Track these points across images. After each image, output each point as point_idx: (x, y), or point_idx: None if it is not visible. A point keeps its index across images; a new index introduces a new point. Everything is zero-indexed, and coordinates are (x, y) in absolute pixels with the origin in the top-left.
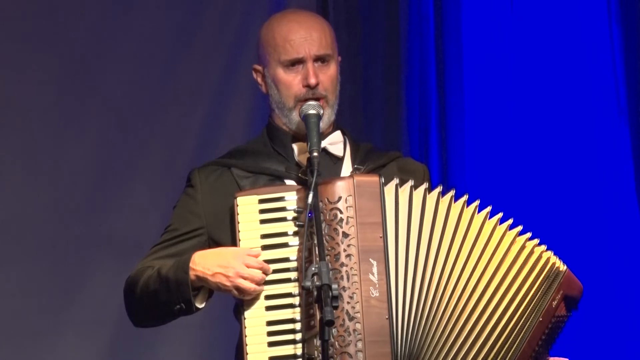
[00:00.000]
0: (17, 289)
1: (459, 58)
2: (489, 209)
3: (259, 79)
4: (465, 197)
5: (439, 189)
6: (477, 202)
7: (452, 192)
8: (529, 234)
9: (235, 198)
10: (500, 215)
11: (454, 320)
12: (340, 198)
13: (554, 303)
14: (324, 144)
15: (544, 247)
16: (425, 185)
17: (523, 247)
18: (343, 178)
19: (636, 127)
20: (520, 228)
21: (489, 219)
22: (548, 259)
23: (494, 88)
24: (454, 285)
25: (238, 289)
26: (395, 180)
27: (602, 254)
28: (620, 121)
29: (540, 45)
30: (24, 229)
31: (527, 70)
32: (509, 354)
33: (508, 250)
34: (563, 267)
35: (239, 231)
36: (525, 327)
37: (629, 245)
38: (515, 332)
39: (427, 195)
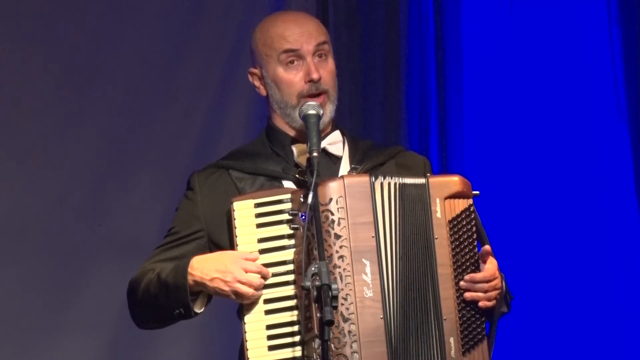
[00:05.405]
0: (17, 288)
1: (458, 58)
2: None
3: (256, 82)
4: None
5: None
6: None
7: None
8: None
9: (232, 203)
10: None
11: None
12: (331, 200)
13: (438, 214)
14: (323, 144)
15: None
16: (399, 181)
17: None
18: (333, 179)
19: (636, 127)
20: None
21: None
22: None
23: (493, 88)
24: None
25: (236, 293)
26: (380, 179)
27: (602, 254)
28: (619, 121)
29: (540, 46)
30: (24, 229)
31: (527, 71)
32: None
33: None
34: (420, 180)
35: (236, 236)
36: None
37: (629, 245)
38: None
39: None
